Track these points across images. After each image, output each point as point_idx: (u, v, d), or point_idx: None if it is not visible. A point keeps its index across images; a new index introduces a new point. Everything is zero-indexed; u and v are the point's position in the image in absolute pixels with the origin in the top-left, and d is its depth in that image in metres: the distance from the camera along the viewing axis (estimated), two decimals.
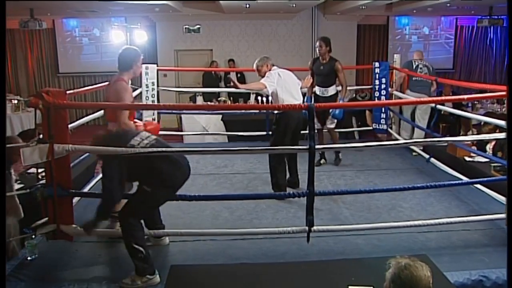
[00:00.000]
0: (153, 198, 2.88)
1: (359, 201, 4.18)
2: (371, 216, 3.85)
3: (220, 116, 7.21)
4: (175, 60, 10.96)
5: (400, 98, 6.14)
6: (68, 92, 3.27)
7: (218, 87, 10.10)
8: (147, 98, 5.77)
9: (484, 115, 6.72)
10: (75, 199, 3.53)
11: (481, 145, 5.27)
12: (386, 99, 6.22)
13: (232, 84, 4.34)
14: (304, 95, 4.91)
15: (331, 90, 5.15)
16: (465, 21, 11.60)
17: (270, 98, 4.71)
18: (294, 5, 9.09)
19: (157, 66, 6.30)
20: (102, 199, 2.81)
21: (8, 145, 3.04)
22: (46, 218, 3.06)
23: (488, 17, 9.26)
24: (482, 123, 5.27)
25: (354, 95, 9.07)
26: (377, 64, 6.38)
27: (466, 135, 7.24)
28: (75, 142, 3.01)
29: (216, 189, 4.64)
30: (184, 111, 7.07)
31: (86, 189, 4.00)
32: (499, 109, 8.00)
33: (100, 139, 2.89)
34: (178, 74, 10.97)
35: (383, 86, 6.27)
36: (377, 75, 6.32)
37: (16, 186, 3.83)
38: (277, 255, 3.21)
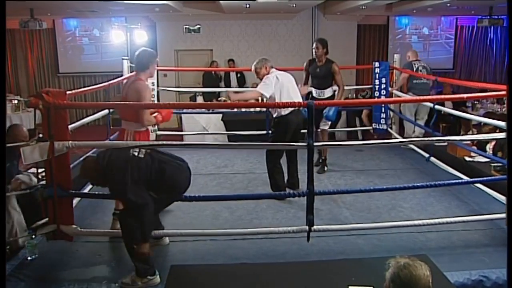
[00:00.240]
0: (158, 204, 2.90)
1: (359, 201, 4.18)
2: (371, 216, 3.85)
3: (220, 116, 7.20)
4: (175, 60, 10.96)
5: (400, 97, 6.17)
6: (68, 92, 3.27)
7: (218, 87, 10.11)
8: None
9: (484, 115, 6.72)
10: (75, 200, 3.53)
11: (481, 145, 5.26)
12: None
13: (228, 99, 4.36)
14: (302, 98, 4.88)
15: (328, 92, 5.03)
16: (465, 21, 11.59)
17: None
18: (294, 5, 9.08)
19: (157, 66, 6.28)
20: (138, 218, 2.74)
21: (10, 143, 3.09)
22: (46, 219, 3.06)
23: (488, 17, 9.25)
24: (482, 123, 5.26)
25: (354, 95, 9.07)
26: (377, 64, 6.38)
27: (466, 135, 7.23)
28: None
29: (216, 189, 4.64)
30: (184, 111, 7.05)
31: (86, 190, 4.00)
32: (499, 109, 7.99)
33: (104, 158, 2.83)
34: (178, 74, 10.96)
35: (383, 86, 6.27)
36: (377, 75, 6.32)
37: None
38: (277, 255, 3.21)
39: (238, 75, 10.51)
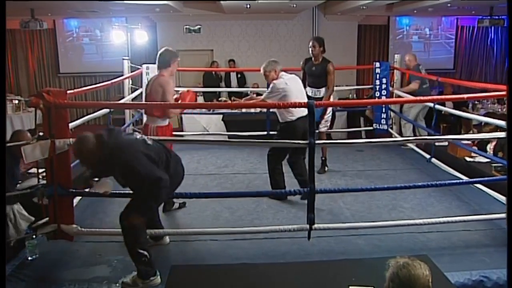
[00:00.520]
0: (156, 197, 2.87)
1: (359, 201, 4.18)
2: (372, 216, 3.85)
3: (221, 116, 7.20)
4: None
5: (400, 97, 6.17)
6: (68, 92, 3.27)
7: (219, 87, 10.11)
8: None
9: (484, 115, 6.72)
10: (76, 199, 3.53)
11: (482, 145, 5.26)
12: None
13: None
14: None
15: (323, 91, 4.95)
16: (466, 21, 11.58)
17: None
18: (294, 5, 9.08)
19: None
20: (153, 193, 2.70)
21: (13, 143, 3.09)
22: (47, 218, 3.06)
23: (488, 17, 9.24)
24: (482, 123, 5.26)
25: (354, 95, 9.07)
26: (377, 64, 6.37)
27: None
28: None
29: (216, 189, 4.63)
30: (184, 111, 7.04)
31: (86, 189, 3.99)
32: (499, 109, 7.98)
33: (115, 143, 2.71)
34: (179, 74, 10.93)
35: (383, 86, 6.27)
36: (377, 75, 6.32)
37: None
38: (277, 255, 3.21)
39: (239, 75, 10.50)
